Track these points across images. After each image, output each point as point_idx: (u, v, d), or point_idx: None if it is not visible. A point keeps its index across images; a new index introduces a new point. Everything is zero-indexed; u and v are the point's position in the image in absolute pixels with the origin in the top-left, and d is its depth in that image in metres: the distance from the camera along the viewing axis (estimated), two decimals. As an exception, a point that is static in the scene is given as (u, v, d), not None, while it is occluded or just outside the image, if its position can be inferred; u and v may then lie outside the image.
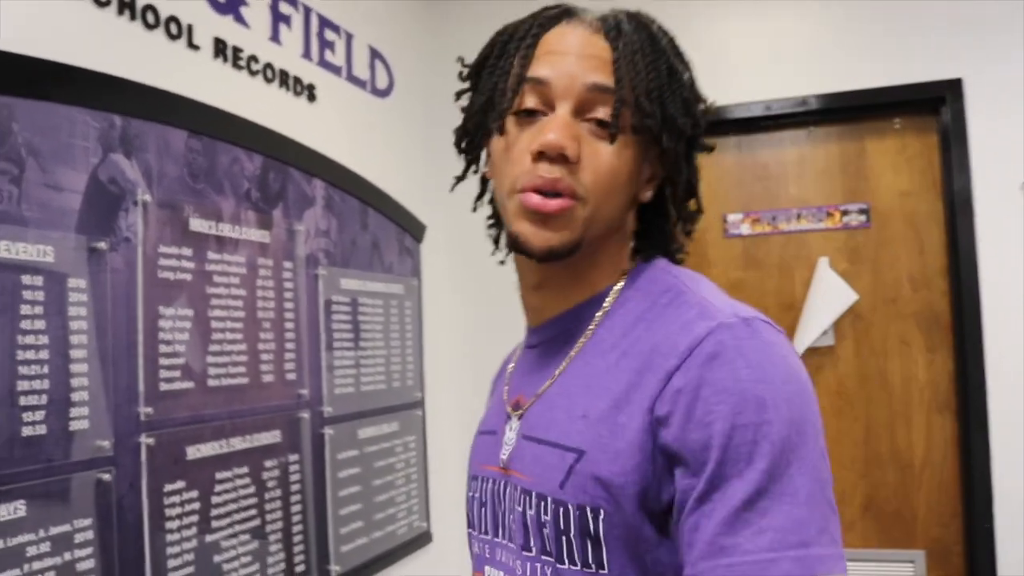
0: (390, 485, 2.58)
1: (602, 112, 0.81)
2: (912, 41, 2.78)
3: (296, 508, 2.10)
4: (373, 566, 2.45)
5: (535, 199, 0.80)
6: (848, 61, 2.85)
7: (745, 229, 3.01)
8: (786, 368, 0.73)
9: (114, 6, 1.67)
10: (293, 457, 2.10)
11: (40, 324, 1.45)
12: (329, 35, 2.44)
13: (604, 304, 0.86)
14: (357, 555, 2.37)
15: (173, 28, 1.82)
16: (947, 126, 2.76)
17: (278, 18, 2.19)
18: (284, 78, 2.21)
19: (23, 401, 1.42)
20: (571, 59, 0.82)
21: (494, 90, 0.87)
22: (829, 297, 2.85)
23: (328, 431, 2.25)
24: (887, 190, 2.90)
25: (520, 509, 0.83)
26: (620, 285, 0.87)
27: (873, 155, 2.91)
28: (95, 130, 1.59)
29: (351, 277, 2.42)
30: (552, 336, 0.90)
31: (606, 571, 0.74)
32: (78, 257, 1.52)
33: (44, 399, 1.45)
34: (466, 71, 0.95)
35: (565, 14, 0.87)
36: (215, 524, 1.82)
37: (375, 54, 2.72)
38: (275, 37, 2.18)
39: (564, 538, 0.77)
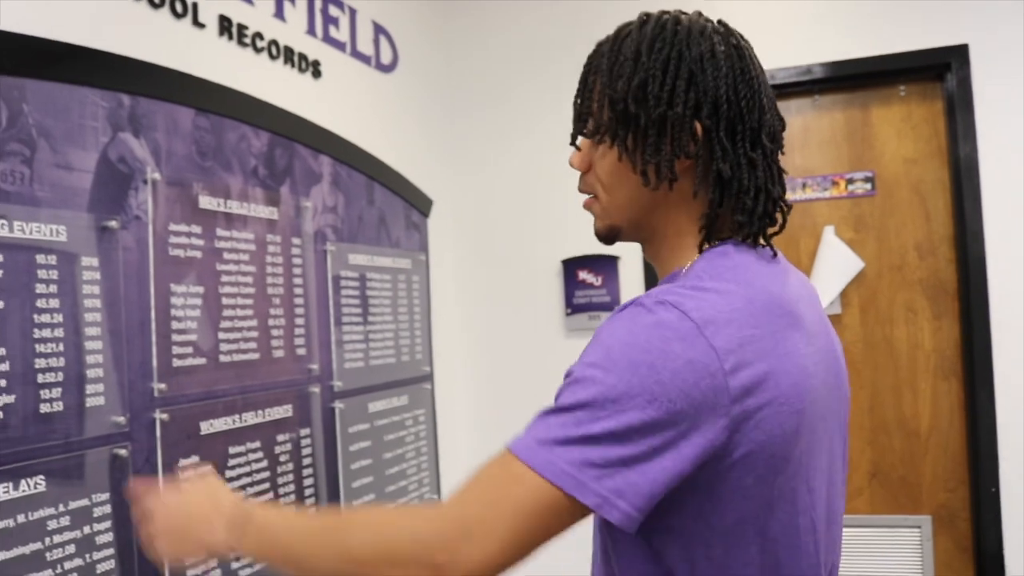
0: (400, 458, 2.61)
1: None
2: (917, 7, 2.77)
3: (308, 481, 2.13)
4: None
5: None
6: (852, 29, 2.84)
7: (750, 199, 3.01)
8: (635, 330, 0.84)
9: (119, -15, 1.67)
10: (304, 431, 2.13)
11: (55, 303, 1.47)
12: (333, 11, 2.44)
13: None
14: (369, 527, 2.39)
15: (179, 6, 1.82)
16: (952, 92, 2.76)
17: (282, -6, 2.19)
18: (289, 55, 2.21)
19: (40, 379, 1.44)
20: None
21: None
22: (835, 265, 2.86)
23: (338, 405, 2.28)
24: (892, 158, 2.89)
25: None
26: (687, 268, 0.96)
27: (878, 123, 2.91)
28: (104, 110, 1.60)
29: (359, 252, 2.44)
30: None
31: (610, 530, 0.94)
32: (90, 236, 1.54)
33: (60, 376, 1.47)
34: None
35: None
36: (230, 497, 1.85)
37: (379, 29, 2.72)
38: (279, 14, 2.18)
39: None
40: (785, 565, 0.90)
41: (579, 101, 1.03)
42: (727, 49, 0.96)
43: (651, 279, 3.01)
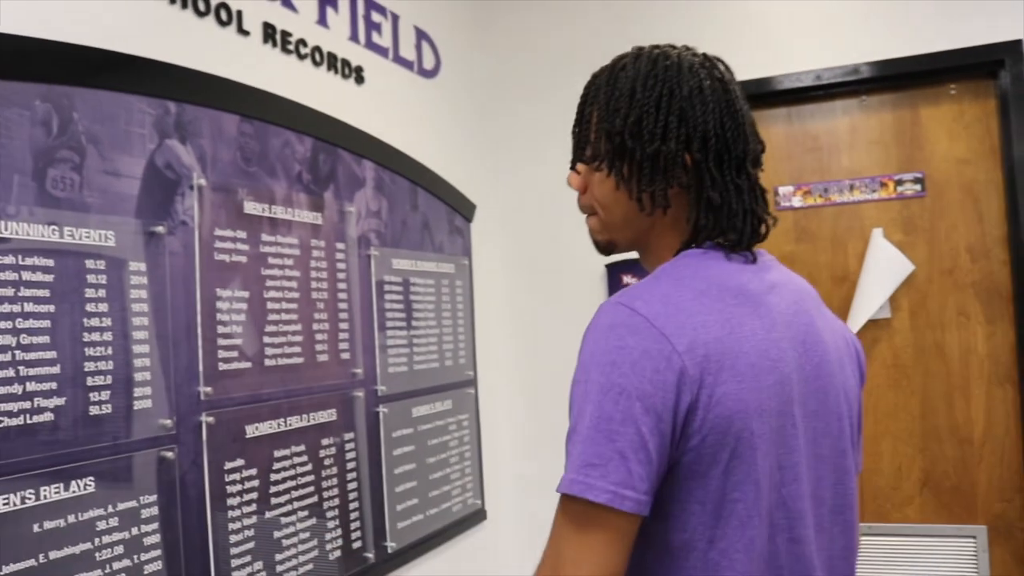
0: (444, 463, 2.61)
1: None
2: (967, 3, 2.71)
3: (352, 485, 2.14)
4: (428, 543, 2.48)
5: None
6: (901, 26, 2.78)
7: (796, 201, 2.98)
8: (604, 338, 0.93)
9: (166, -6, 1.70)
10: (348, 435, 2.14)
11: (103, 307, 1.49)
12: (375, 17, 2.45)
13: None
14: (412, 532, 2.40)
15: (223, 14, 1.84)
16: (1006, 90, 2.69)
17: (325, 1, 2.21)
18: (332, 61, 2.23)
19: (89, 381, 1.46)
20: None
21: None
22: (885, 269, 2.81)
23: (382, 409, 2.28)
24: (943, 158, 2.84)
25: None
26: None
27: (928, 123, 2.85)
28: (151, 117, 1.62)
29: (402, 257, 2.45)
30: None
31: None
32: (138, 241, 1.56)
33: (109, 379, 1.50)
34: None
35: None
36: (274, 501, 1.87)
37: (421, 34, 2.73)
38: (322, 20, 2.20)
39: None
40: (757, 538, 0.95)
41: (577, 129, 1.13)
42: (713, 84, 1.05)
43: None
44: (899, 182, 2.86)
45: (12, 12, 1.39)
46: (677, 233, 1.09)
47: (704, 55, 1.10)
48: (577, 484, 0.89)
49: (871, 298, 2.81)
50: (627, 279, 3.02)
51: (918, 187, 2.84)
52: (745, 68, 2.89)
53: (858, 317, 2.83)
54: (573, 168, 1.15)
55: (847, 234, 2.91)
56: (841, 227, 2.92)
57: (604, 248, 1.17)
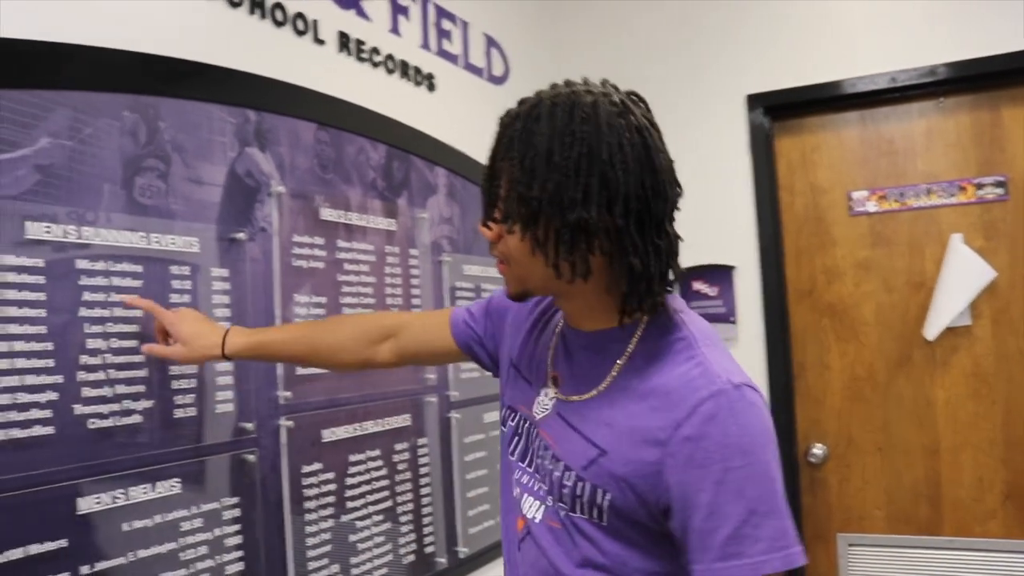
0: (514, 469, 2.60)
1: None
2: (1051, 2, 2.64)
3: (425, 490, 2.15)
4: (499, 548, 2.47)
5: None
6: (980, 25, 2.71)
7: (871, 206, 2.92)
8: (761, 423, 0.98)
9: (246, 5, 1.73)
10: (421, 440, 2.15)
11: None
12: (446, 24, 2.47)
13: (631, 342, 1.07)
14: (483, 537, 2.40)
15: (300, 24, 1.87)
16: (1092, 90, 2.61)
17: (397, 10, 2.23)
18: (405, 68, 2.25)
19: (174, 385, 1.49)
20: None
21: None
22: (965, 275, 2.73)
23: (454, 415, 2.29)
24: (1027, 160, 2.75)
25: (550, 467, 1.09)
26: (643, 325, 1.08)
27: (1010, 124, 2.77)
28: (231, 125, 1.65)
29: (474, 264, 2.45)
30: (586, 345, 1.12)
31: (605, 524, 1.03)
32: (220, 247, 1.59)
33: (193, 383, 1.53)
34: None
35: None
36: (349, 505, 1.88)
37: (491, 41, 2.74)
38: (395, 29, 2.22)
39: (578, 499, 1.04)
40: None
41: (487, 185, 1.06)
42: (632, 137, 0.99)
43: (769, 290, 2.95)
44: (979, 186, 2.79)
45: (101, 25, 1.43)
46: (598, 296, 1.07)
47: (622, 99, 1.03)
48: (799, 555, 0.96)
49: (950, 305, 2.74)
50: (698, 285, 2.99)
51: (1000, 191, 2.76)
52: (818, 71, 2.88)
53: (936, 324, 2.76)
54: (485, 224, 1.08)
55: (924, 239, 2.85)
56: (918, 232, 2.86)
57: (518, 297, 1.12)
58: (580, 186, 0.97)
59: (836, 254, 2.97)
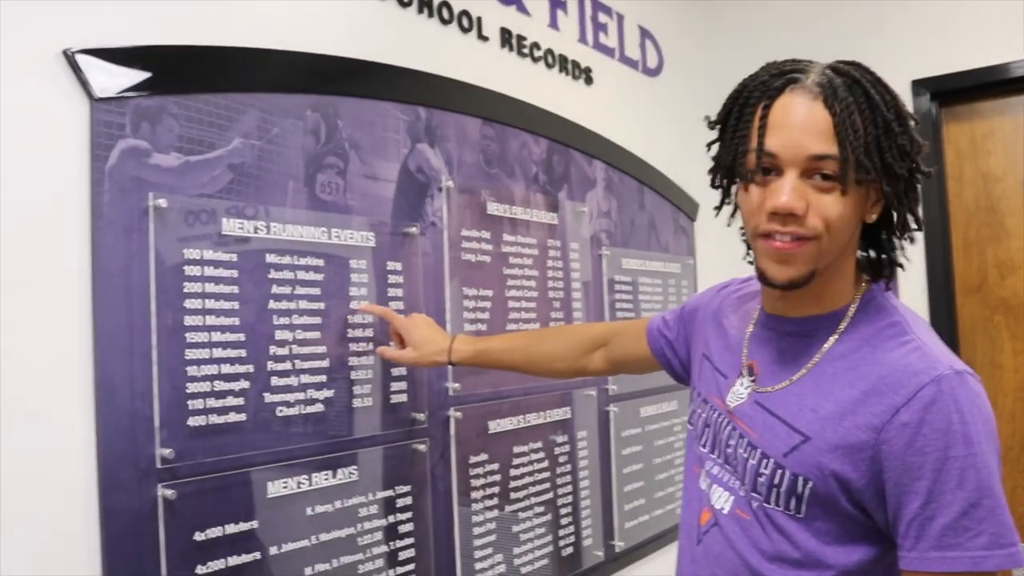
0: (669, 464, 2.58)
1: (823, 174, 0.96)
2: None
3: (584, 483, 2.15)
4: (653, 544, 2.46)
5: (776, 243, 0.99)
6: None
7: (1048, 195, 2.74)
8: (984, 413, 0.94)
9: (414, 5, 1.77)
10: (581, 433, 2.15)
11: (365, 303, 1.57)
12: (602, 17, 2.46)
13: (841, 326, 1.04)
14: (639, 532, 2.39)
15: (465, 21, 1.90)
16: None
17: (555, 4, 2.23)
18: (564, 63, 2.25)
19: (353, 375, 1.54)
20: (796, 133, 0.97)
21: (735, 155, 1.03)
22: None
23: (613, 409, 2.28)
24: None
25: (745, 456, 1.06)
26: (853, 308, 1.05)
27: None
28: (404, 122, 1.69)
29: (631, 257, 2.44)
30: (790, 332, 1.09)
31: (801, 515, 1.00)
32: (394, 241, 1.64)
33: (369, 374, 1.58)
34: (713, 121, 1.12)
35: (788, 82, 1.00)
36: (512, 496, 1.90)
37: (645, 33, 2.72)
38: (553, 23, 2.23)
39: (775, 489, 1.02)
40: None
41: (842, 142, 0.95)
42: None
43: (935, 284, 2.81)
44: None
45: (282, 29, 1.49)
46: (847, 266, 1.06)
47: None
48: (1021, 555, 0.92)
49: None
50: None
51: None
52: (988, 53, 2.73)
53: None
54: (838, 183, 0.98)
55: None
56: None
57: (803, 281, 1.01)
58: (905, 140, 0.99)
59: (1011, 246, 2.81)
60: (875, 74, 1.00)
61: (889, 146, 0.97)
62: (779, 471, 1.02)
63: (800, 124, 0.97)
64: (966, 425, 0.92)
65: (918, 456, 0.92)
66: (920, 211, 1.05)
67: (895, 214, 1.04)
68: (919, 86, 2.85)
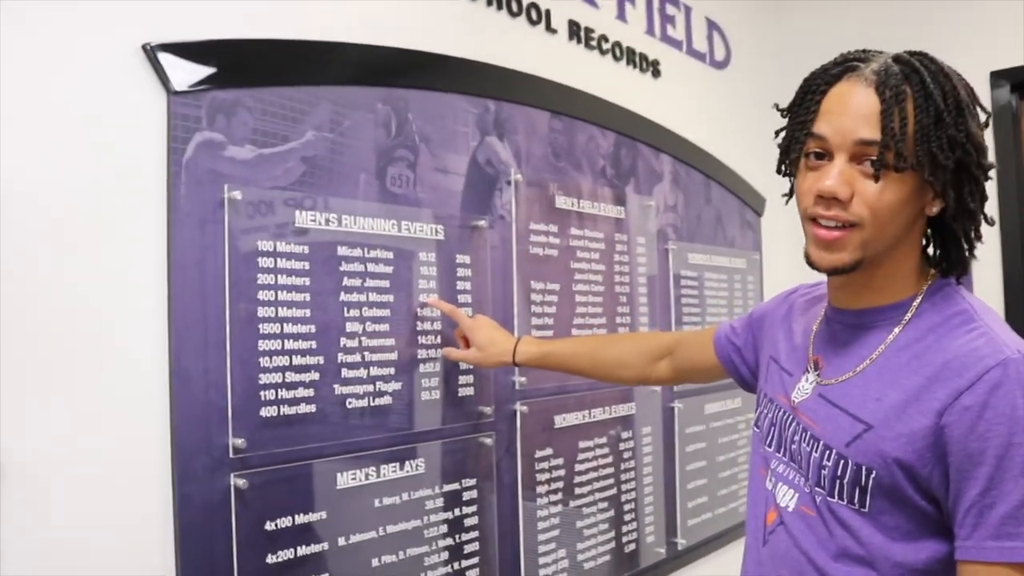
0: (732, 462, 2.55)
1: (869, 159, 0.96)
2: None
3: (648, 480, 2.13)
4: (716, 542, 2.43)
5: (821, 231, 1.00)
6: None
7: None
8: None
9: (483, -3, 1.77)
10: (645, 429, 2.13)
11: (433, 297, 1.57)
12: (670, 9, 2.43)
13: (906, 316, 1.02)
14: (701, 530, 2.36)
15: (533, 14, 1.89)
16: None
17: (624, -4, 2.22)
18: (631, 55, 2.23)
19: (421, 368, 1.55)
20: (846, 118, 0.98)
21: (792, 138, 1.05)
22: None
23: (678, 405, 2.26)
24: None
25: (808, 449, 1.05)
26: (919, 299, 1.03)
27: None
28: (473, 115, 1.69)
29: (697, 252, 2.41)
30: (854, 324, 1.08)
31: (866, 509, 0.97)
32: (463, 234, 1.64)
33: (437, 367, 1.58)
34: (783, 109, 1.12)
35: (847, 70, 1.01)
36: (577, 491, 1.89)
37: (712, 26, 2.68)
38: (621, 15, 2.20)
39: (838, 481, 1.00)
40: None
41: (887, 128, 0.95)
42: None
43: (1013, 284, 2.73)
44: None
45: (353, 23, 1.50)
46: (910, 258, 1.05)
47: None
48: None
49: None
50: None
51: None
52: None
53: None
54: (879, 170, 0.97)
55: None
56: None
57: (849, 268, 1.01)
58: (957, 131, 0.96)
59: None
60: (939, 64, 0.99)
61: (938, 136, 0.95)
62: (841, 461, 1.00)
63: (850, 110, 0.98)
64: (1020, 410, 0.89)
65: (980, 441, 0.90)
66: (982, 206, 1.02)
67: (954, 209, 1.01)
68: (998, 77, 2.77)
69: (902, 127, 0.94)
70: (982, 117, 1.00)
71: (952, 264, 1.05)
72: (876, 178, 0.95)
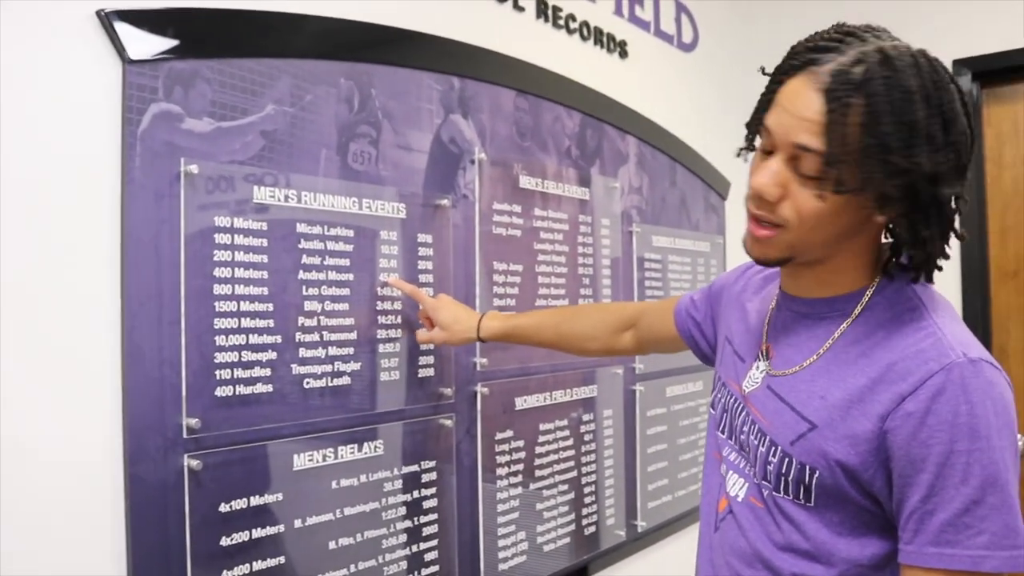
0: (693, 445, 2.56)
1: (805, 167, 0.91)
2: None
3: (608, 462, 2.13)
4: (675, 524, 2.45)
5: (751, 225, 0.99)
6: None
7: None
8: (998, 404, 0.90)
9: (451, -28, 1.73)
10: (607, 412, 2.13)
11: (394, 277, 1.55)
12: (638, -11, 2.41)
13: (856, 309, 1.00)
14: (661, 512, 2.37)
15: (500, -10, 1.87)
16: None
17: (592, -26, 2.19)
18: (599, 35, 2.21)
19: (381, 349, 1.52)
20: (790, 117, 0.92)
21: (752, 120, 1.02)
22: None
23: (639, 387, 2.26)
24: None
25: (756, 443, 1.05)
26: (871, 292, 1.00)
27: None
28: (437, 92, 1.66)
29: (661, 234, 2.41)
30: (804, 313, 1.06)
31: (812, 505, 0.98)
32: (425, 213, 1.61)
33: (397, 347, 1.56)
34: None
35: (807, 64, 0.93)
36: (537, 473, 1.89)
37: (680, 8, 2.66)
38: (589, -6, 2.19)
39: (783, 478, 1.00)
40: None
41: (828, 143, 0.88)
42: (952, 87, 0.92)
43: (970, 269, 2.76)
44: None
45: (321, -7, 1.46)
46: (863, 256, 1.01)
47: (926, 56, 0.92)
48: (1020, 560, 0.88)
49: None
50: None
51: None
52: (1022, 34, 2.65)
53: None
54: (824, 183, 0.91)
55: None
56: None
57: (774, 263, 1.01)
58: (964, 161, 0.91)
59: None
60: (912, 79, 0.87)
61: (882, 161, 0.87)
62: (786, 459, 0.99)
63: (796, 110, 0.92)
64: (975, 417, 0.88)
65: (922, 448, 0.89)
66: (942, 232, 0.94)
67: (906, 235, 0.95)
68: (960, 65, 2.79)
69: (844, 145, 0.87)
70: (960, 139, 0.90)
71: (913, 264, 0.98)
72: (819, 188, 0.90)
